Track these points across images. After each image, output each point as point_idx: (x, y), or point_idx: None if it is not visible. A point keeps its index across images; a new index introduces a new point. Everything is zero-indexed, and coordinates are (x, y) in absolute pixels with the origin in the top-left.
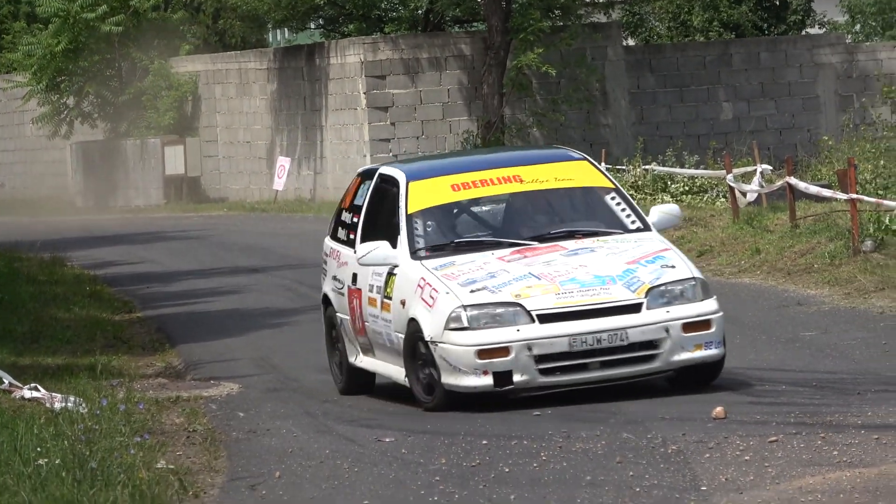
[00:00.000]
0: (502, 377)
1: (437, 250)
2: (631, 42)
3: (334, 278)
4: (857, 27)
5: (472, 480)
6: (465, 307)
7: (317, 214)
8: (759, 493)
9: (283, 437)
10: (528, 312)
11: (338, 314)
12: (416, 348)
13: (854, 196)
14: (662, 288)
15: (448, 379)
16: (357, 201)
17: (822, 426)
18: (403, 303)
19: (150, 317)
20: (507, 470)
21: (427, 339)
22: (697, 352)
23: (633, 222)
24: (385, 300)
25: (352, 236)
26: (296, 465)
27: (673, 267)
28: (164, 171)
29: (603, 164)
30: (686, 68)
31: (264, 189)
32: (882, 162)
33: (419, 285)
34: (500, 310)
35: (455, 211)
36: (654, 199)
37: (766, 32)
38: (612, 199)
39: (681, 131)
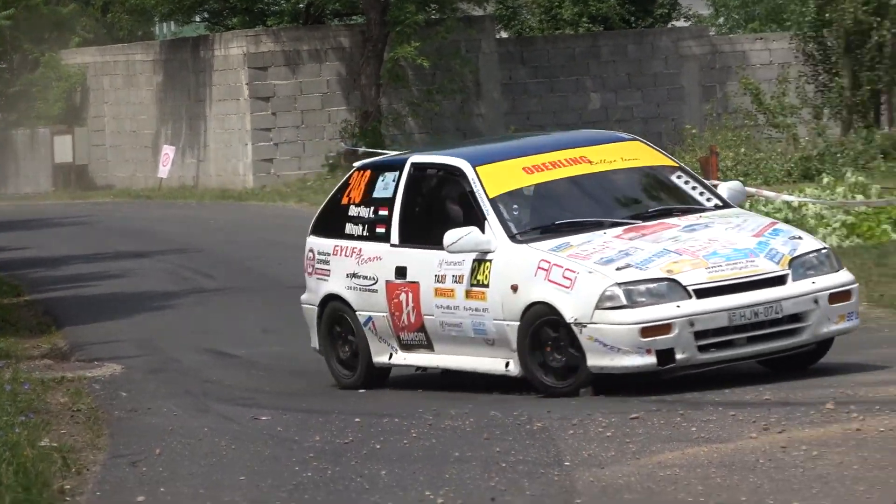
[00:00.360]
0: (665, 355)
1: (536, 233)
2: (504, 35)
3: (354, 276)
4: (721, 20)
5: (344, 457)
6: (619, 285)
7: (199, 201)
8: (619, 467)
9: (163, 415)
10: (684, 287)
11: (359, 312)
12: (539, 333)
13: (715, 182)
14: (803, 259)
15: (599, 361)
16: (379, 194)
17: (682, 403)
18: (515, 287)
19: (37, 300)
20: (378, 447)
21: (569, 321)
22: (841, 323)
23: (708, 199)
24: (474, 288)
25: (381, 230)
26: (176, 443)
27: (800, 238)
28: (53, 160)
29: None
30: (556, 60)
31: (149, 177)
32: (742, 150)
33: (541, 268)
34: (655, 286)
35: (536, 193)
36: None
37: (634, 25)
38: (679, 177)
39: (551, 121)
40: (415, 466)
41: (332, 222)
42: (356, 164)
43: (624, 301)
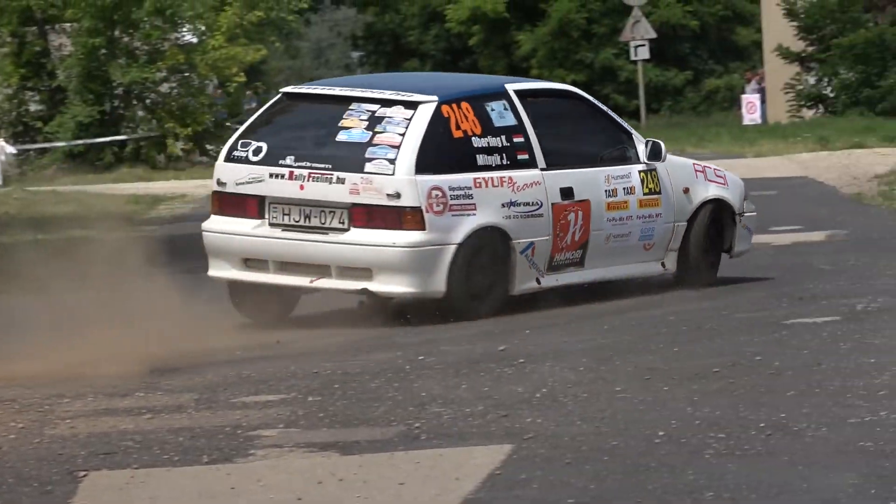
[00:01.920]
0: None
1: None
2: None
3: (513, 204)
4: None
5: None
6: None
7: None
8: None
9: None
10: None
11: (517, 241)
12: (709, 228)
13: None
14: None
15: (744, 245)
16: (500, 123)
17: None
18: (687, 190)
19: None
20: None
21: (738, 211)
22: None
23: None
24: (648, 196)
25: (523, 157)
26: None
27: None
28: None
29: None
30: None
31: None
32: None
33: (697, 170)
34: None
35: None
36: None
37: None
38: None
39: None
40: None
41: (448, 157)
42: (430, 99)
43: None
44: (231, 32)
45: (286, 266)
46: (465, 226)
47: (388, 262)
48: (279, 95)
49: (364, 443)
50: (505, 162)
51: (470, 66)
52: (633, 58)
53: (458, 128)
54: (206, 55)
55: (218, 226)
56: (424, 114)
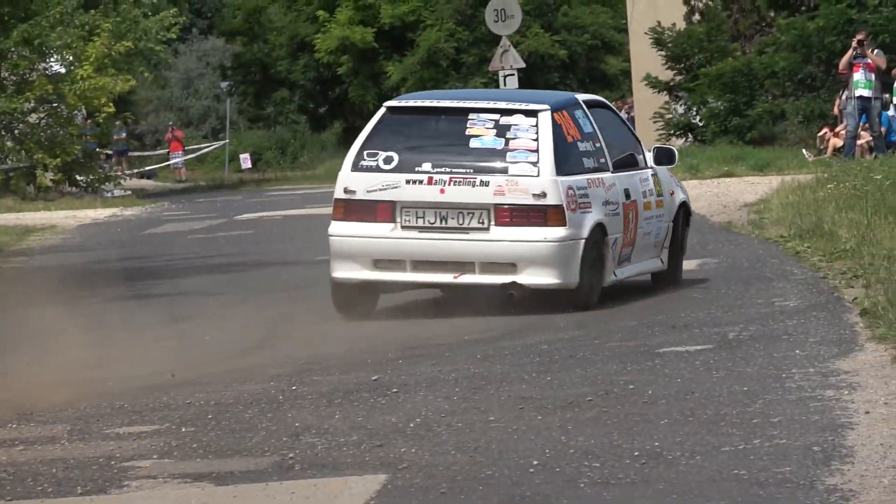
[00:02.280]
0: None
1: None
2: None
3: (607, 203)
4: None
5: None
6: None
7: None
8: None
9: None
10: None
11: (610, 236)
12: (687, 221)
13: None
14: None
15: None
16: (586, 130)
17: None
18: (672, 193)
19: None
20: None
21: (692, 212)
22: None
23: None
24: (658, 198)
25: (602, 160)
26: None
27: None
28: None
29: None
30: None
31: None
32: None
33: (671, 176)
34: None
35: None
36: None
37: None
38: None
39: None
40: None
41: (570, 160)
42: (544, 107)
43: None
44: (99, 63)
45: (424, 265)
46: (588, 222)
47: (535, 257)
48: (383, 110)
49: (238, 473)
50: (595, 165)
51: (341, 96)
52: (502, 87)
53: (568, 133)
54: (74, 85)
55: (346, 230)
56: (546, 120)
